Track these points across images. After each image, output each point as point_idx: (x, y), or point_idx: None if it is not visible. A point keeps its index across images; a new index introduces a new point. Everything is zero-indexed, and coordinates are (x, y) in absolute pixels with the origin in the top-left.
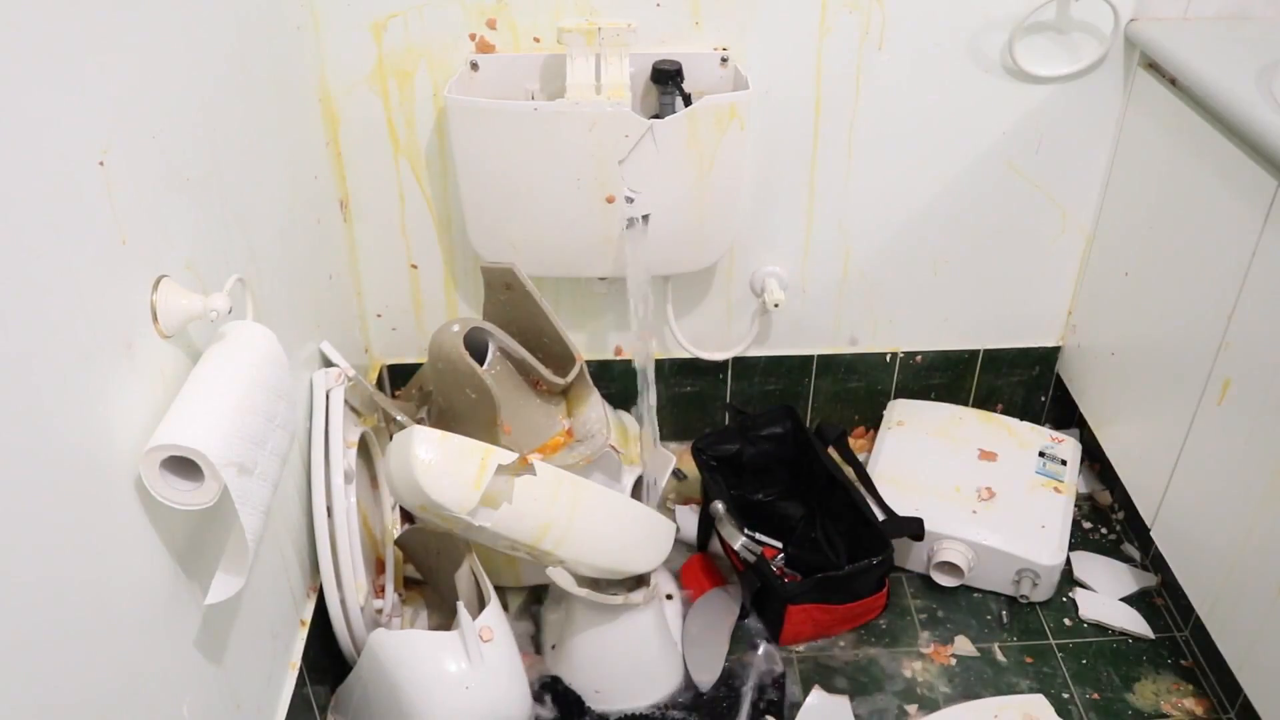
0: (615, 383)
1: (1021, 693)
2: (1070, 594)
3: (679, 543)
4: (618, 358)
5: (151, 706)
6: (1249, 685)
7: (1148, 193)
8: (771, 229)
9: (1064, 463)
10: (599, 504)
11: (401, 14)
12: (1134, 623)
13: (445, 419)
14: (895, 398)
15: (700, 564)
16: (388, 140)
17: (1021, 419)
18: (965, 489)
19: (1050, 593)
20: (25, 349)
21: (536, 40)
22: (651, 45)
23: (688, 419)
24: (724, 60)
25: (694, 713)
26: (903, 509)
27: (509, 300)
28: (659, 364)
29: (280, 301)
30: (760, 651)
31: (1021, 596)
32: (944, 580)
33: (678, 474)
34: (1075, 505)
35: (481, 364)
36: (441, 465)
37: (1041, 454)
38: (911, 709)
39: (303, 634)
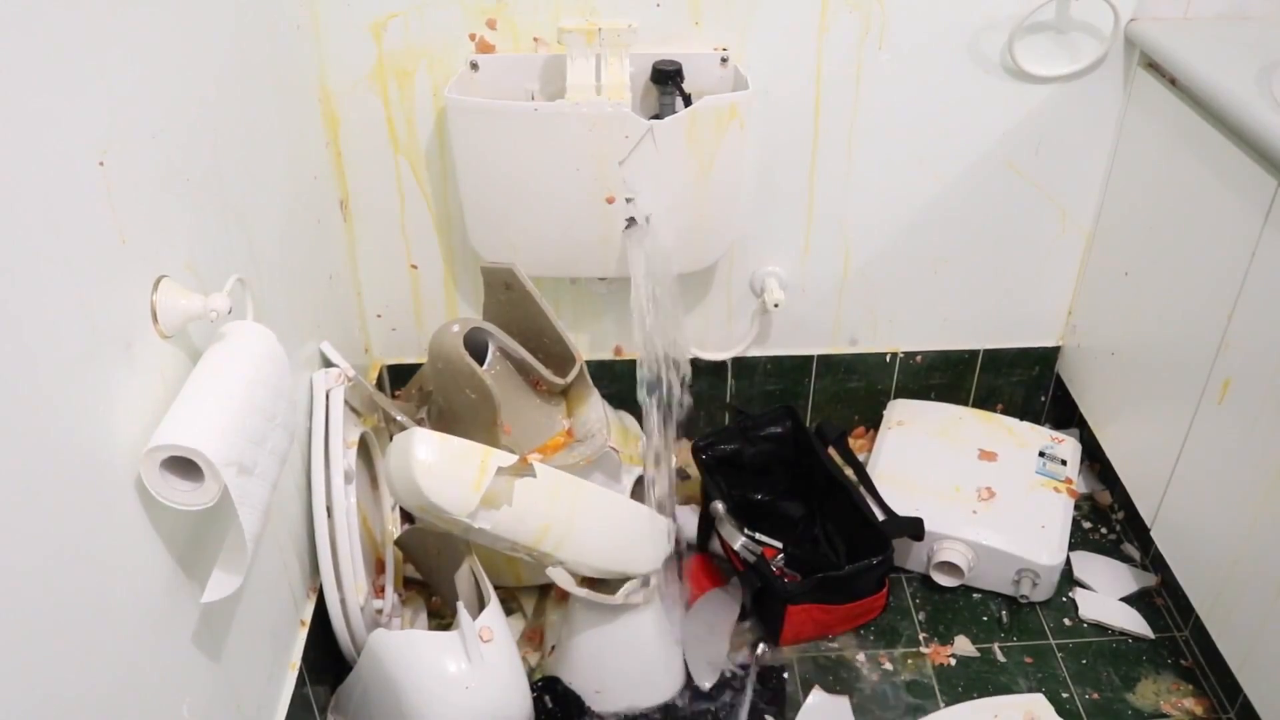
0: (615, 383)
1: (1021, 693)
2: (1070, 594)
3: (679, 543)
4: (618, 358)
5: (151, 706)
6: (1249, 685)
7: (1148, 193)
8: (771, 229)
9: (1064, 463)
10: (599, 505)
11: (401, 14)
12: (1134, 623)
13: (445, 419)
14: (895, 398)
15: (700, 564)
16: (388, 140)
17: (1021, 419)
18: (965, 489)
19: (1050, 593)
20: (25, 349)
21: (536, 40)
22: (651, 45)
23: (688, 419)
24: (724, 60)
25: (693, 713)
26: (903, 509)
27: (509, 300)
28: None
29: (280, 301)
30: (760, 651)
31: (1021, 596)
32: (944, 580)
33: (679, 474)
34: (1075, 505)
35: (481, 364)
36: (441, 467)
37: (1041, 454)
38: (912, 709)
39: (303, 634)
